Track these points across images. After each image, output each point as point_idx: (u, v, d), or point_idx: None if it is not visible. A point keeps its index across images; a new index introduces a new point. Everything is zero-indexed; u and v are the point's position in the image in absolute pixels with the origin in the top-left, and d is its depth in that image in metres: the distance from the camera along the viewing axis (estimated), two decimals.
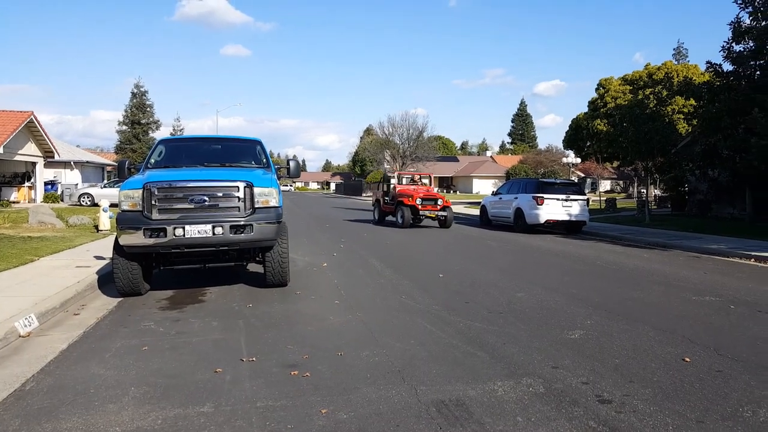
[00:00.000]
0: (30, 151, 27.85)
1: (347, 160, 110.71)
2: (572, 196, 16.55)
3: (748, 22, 17.65)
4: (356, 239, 14.00)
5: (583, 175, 55.73)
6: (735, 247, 12.32)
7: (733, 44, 17.93)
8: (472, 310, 6.09)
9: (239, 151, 8.35)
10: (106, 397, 3.61)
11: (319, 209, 31.12)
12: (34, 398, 3.61)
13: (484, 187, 63.57)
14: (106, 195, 22.56)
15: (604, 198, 35.06)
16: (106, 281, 7.21)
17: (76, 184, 31.62)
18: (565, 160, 36.22)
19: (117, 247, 6.36)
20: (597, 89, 40.06)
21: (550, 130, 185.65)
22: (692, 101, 22.34)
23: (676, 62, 46.84)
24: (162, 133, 55.27)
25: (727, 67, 18.33)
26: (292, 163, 8.13)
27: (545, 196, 16.24)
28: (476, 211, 21.84)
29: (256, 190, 6.47)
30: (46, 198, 28.48)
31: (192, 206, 6.23)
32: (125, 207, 6.23)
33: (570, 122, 42.60)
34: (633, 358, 4.48)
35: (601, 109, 37.86)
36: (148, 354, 4.52)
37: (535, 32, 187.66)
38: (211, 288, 7.26)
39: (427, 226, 18.13)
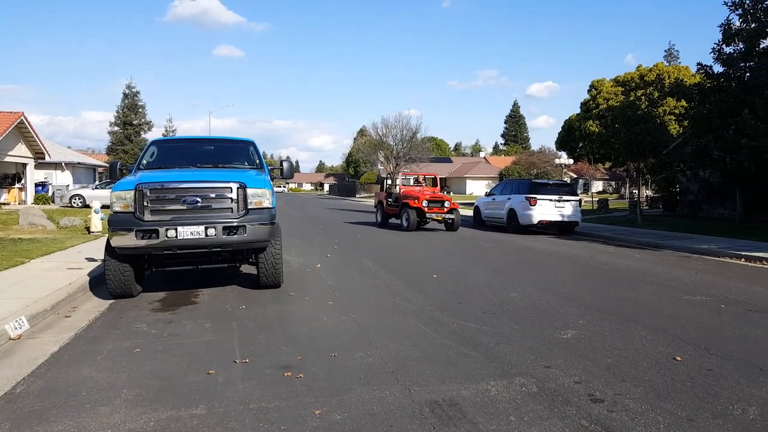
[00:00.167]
0: (20, 152, 27.64)
1: (341, 161, 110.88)
2: (565, 197, 16.62)
3: (738, 24, 17.85)
4: (350, 240, 13.99)
5: (575, 176, 55.98)
6: (725, 247, 12.43)
7: (724, 46, 18.13)
8: (466, 311, 6.10)
9: (232, 152, 8.30)
10: (98, 399, 3.59)
11: (313, 210, 31.05)
12: (25, 401, 3.58)
13: (477, 188, 63.67)
14: (97, 196, 22.42)
15: (597, 199, 35.25)
16: (98, 283, 7.16)
17: (68, 186, 31.34)
18: (557, 161, 36.33)
19: (109, 249, 6.33)
20: (589, 91, 40.32)
21: (543, 131, 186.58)
22: (683, 102, 22.54)
23: (667, 64, 47.24)
24: (154, 135, 54.97)
25: (718, 68, 18.56)
26: (285, 164, 8.11)
27: (538, 196, 16.31)
28: (470, 212, 21.87)
29: (249, 191, 6.44)
30: (37, 199, 28.26)
31: (184, 207, 6.19)
32: (117, 208, 6.18)
33: (563, 123, 42.88)
34: (625, 357, 4.51)
35: (594, 111, 38.11)
36: (141, 356, 4.49)
37: (529, 34, 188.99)
38: (203, 290, 7.22)
39: (432, 229, 17.54)
